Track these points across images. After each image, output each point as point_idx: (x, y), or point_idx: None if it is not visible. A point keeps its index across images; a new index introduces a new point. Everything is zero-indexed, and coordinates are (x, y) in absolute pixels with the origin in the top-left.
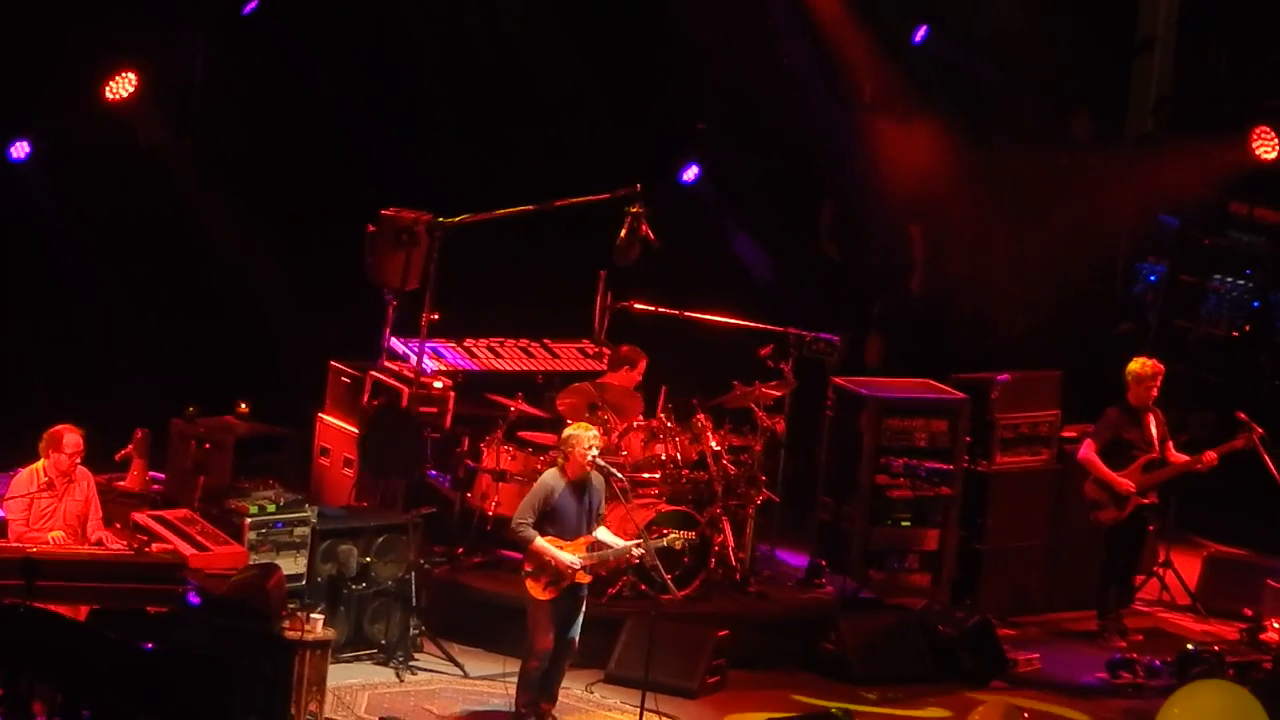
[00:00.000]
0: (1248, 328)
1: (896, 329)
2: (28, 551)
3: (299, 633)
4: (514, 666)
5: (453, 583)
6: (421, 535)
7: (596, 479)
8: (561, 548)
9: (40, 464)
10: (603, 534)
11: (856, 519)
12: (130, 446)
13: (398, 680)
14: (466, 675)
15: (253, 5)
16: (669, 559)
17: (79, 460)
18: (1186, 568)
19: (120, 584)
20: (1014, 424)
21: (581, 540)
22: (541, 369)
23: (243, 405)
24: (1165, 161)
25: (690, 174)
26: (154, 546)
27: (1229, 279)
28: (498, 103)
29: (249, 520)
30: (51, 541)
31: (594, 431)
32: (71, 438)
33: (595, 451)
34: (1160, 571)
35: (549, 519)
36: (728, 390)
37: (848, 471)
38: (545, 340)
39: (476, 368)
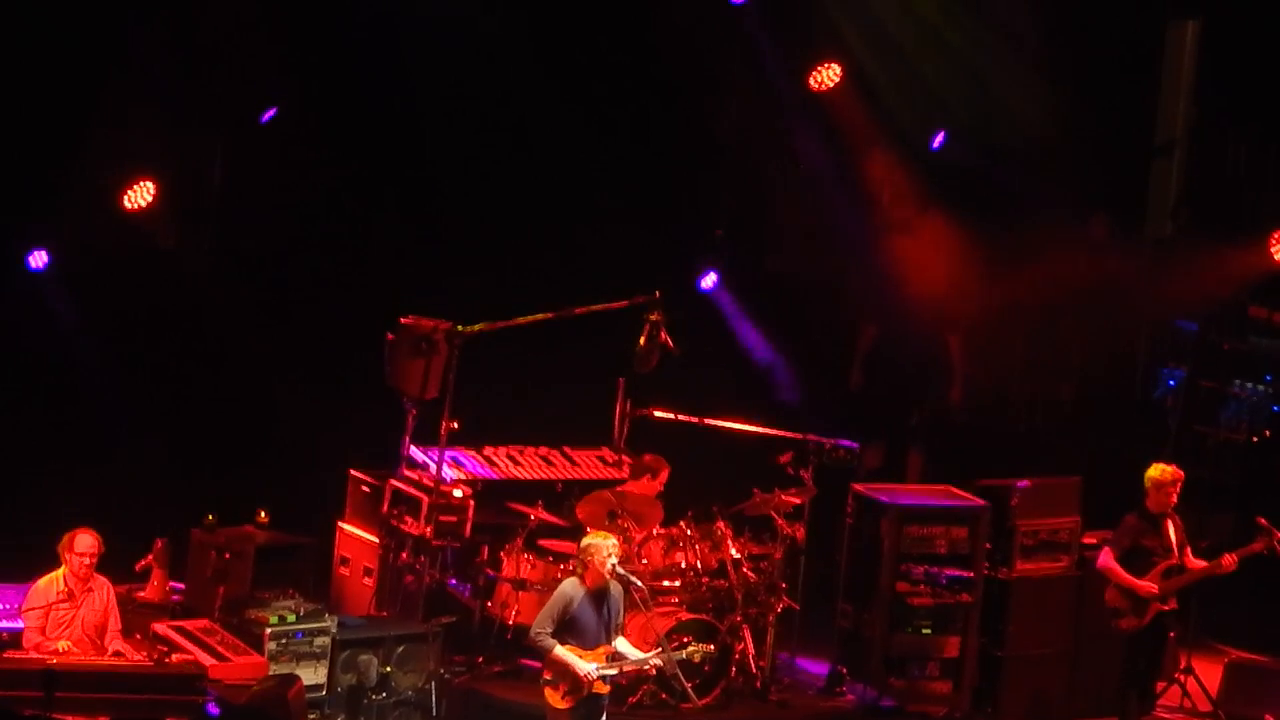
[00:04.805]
0: (1268, 433)
1: (935, 441)
2: (48, 663)
3: None
4: None
5: (473, 692)
6: (442, 644)
7: (615, 588)
8: (580, 657)
9: (60, 572)
10: (622, 645)
11: (877, 626)
12: (150, 556)
13: None
14: None
15: (270, 113)
16: (689, 668)
17: (93, 562)
18: (1208, 674)
19: (140, 695)
20: (1034, 530)
21: (601, 650)
22: (561, 477)
23: (262, 514)
24: (1184, 265)
25: (709, 281)
26: (174, 657)
27: (1249, 384)
28: (517, 210)
29: (269, 630)
30: (60, 650)
31: (613, 540)
32: (85, 539)
33: (614, 560)
34: (1181, 678)
35: (568, 628)
36: (748, 498)
37: (868, 578)
38: (564, 448)
39: (496, 476)
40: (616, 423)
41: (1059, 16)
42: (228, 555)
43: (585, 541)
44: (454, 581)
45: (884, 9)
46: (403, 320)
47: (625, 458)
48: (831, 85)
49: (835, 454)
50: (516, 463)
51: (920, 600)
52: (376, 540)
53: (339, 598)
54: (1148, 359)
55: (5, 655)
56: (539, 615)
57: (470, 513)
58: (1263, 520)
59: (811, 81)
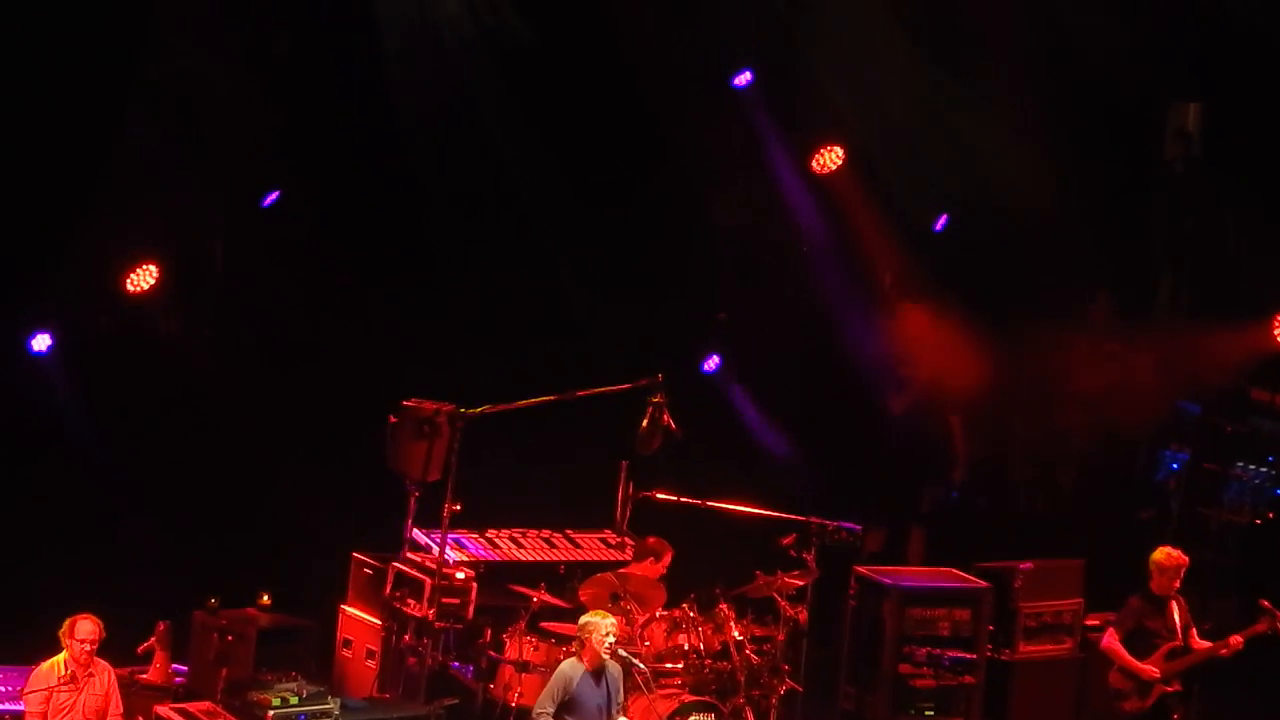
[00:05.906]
0: (1270, 515)
1: (937, 523)
2: None
3: None
4: None
5: None
6: None
7: (615, 666)
8: None
9: (62, 656)
10: None
11: (880, 708)
12: (152, 639)
13: None
14: None
15: (272, 197)
16: None
17: (94, 648)
18: None
19: None
20: (1037, 612)
21: None
22: (563, 559)
23: (265, 597)
24: (1186, 347)
25: (711, 363)
26: None
27: (1251, 466)
28: (519, 293)
29: (272, 712)
30: None
31: (611, 620)
32: (85, 626)
33: (612, 639)
34: None
35: (568, 708)
36: (750, 580)
37: (871, 660)
38: (567, 530)
39: (498, 558)
40: (619, 505)
41: (1061, 98)
42: (230, 638)
43: (583, 620)
44: (456, 663)
45: (887, 92)
46: (405, 403)
47: (628, 540)
48: (834, 167)
49: (838, 536)
50: (519, 545)
51: (923, 682)
52: (379, 622)
53: (341, 680)
54: (1150, 441)
55: None
56: (540, 696)
57: (473, 595)
58: (1265, 602)
59: (814, 163)
